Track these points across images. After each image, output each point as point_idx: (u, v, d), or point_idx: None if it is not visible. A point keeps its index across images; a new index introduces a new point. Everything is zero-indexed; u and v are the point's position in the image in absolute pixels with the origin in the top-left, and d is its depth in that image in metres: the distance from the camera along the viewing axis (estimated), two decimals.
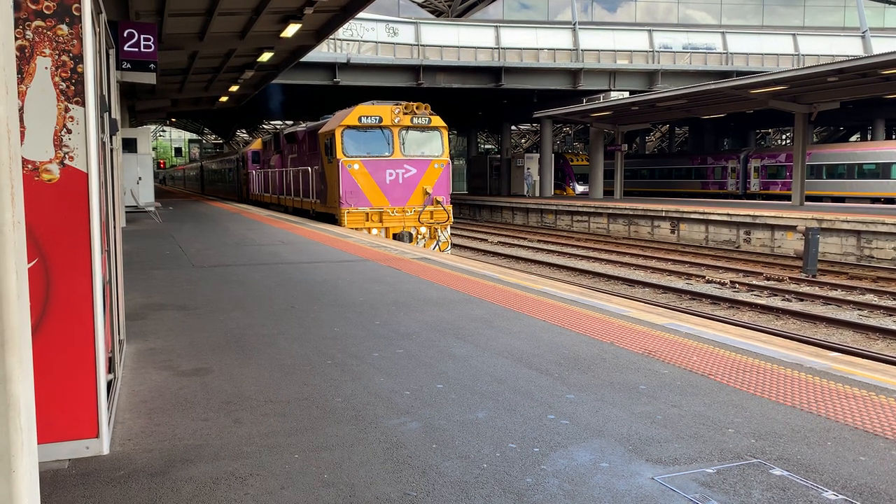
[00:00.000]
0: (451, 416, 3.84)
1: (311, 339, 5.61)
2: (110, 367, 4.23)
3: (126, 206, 19.19)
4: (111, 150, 4.58)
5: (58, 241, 3.17)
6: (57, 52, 3.13)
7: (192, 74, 22.17)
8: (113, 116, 4.80)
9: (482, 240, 27.35)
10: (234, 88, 25.94)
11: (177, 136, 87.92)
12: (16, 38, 3.11)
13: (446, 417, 3.82)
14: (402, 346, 5.37)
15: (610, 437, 3.54)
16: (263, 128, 65.52)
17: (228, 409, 3.96)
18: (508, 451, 3.37)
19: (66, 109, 3.16)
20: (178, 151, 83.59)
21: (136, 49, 11.51)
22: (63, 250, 3.18)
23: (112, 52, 4.95)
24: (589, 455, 3.32)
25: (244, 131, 71.54)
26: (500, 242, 26.31)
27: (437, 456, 3.31)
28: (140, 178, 21.91)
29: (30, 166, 3.12)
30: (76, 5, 3.13)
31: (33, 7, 3.09)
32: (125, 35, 11.44)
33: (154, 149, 72.86)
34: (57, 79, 3.14)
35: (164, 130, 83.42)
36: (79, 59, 3.15)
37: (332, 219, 18.15)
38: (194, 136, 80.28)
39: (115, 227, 4.89)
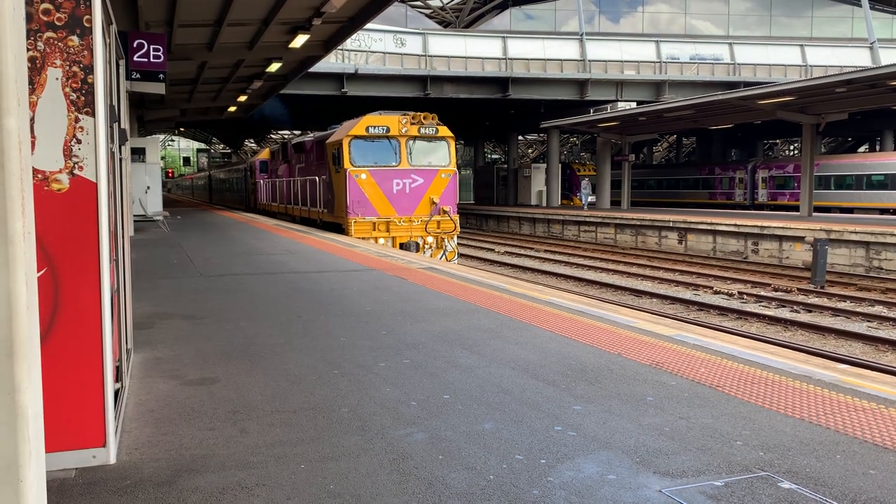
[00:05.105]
0: (457, 426, 3.83)
1: (318, 348, 5.61)
2: (118, 377, 4.24)
3: (134, 216, 19.28)
4: (120, 160, 4.61)
5: (67, 250, 3.18)
6: (68, 62, 3.15)
7: (200, 84, 22.30)
8: (122, 126, 4.83)
9: (489, 249, 27.34)
10: (242, 98, 26.08)
11: (185, 146, 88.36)
12: (27, 50, 3.14)
13: (452, 428, 3.80)
14: (409, 356, 5.37)
15: (617, 448, 3.52)
16: (271, 137, 65.81)
17: (235, 419, 3.96)
18: (515, 462, 3.36)
19: (76, 120, 3.18)
20: (187, 161, 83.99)
21: (146, 59, 11.58)
22: (72, 260, 3.19)
23: (122, 62, 4.99)
24: (596, 467, 3.30)
25: (252, 141, 71.89)
26: (507, 252, 26.30)
27: (443, 467, 3.30)
28: (148, 188, 22.02)
29: (39, 176, 3.14)
30: (87, 17, 3.16)
31: (45, 18, 3.11)
32: (135, 45, 11.52)
33: (162, 158, 73.19)
34: (67, 89, 3.16)
35: (172, 140, 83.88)
36: (89, 69, 3.18)
37: (340, 228, 18.18)
38: (203, 146, 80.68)
39: (123, 237, 4.91)
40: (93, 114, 3.20)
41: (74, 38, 3.15)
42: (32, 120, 3.12)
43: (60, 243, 3.17)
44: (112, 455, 3.32)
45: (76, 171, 3.19)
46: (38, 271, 3.19)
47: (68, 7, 3.14)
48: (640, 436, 3.69)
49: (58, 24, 3.13)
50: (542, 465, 3.32)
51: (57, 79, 3.15)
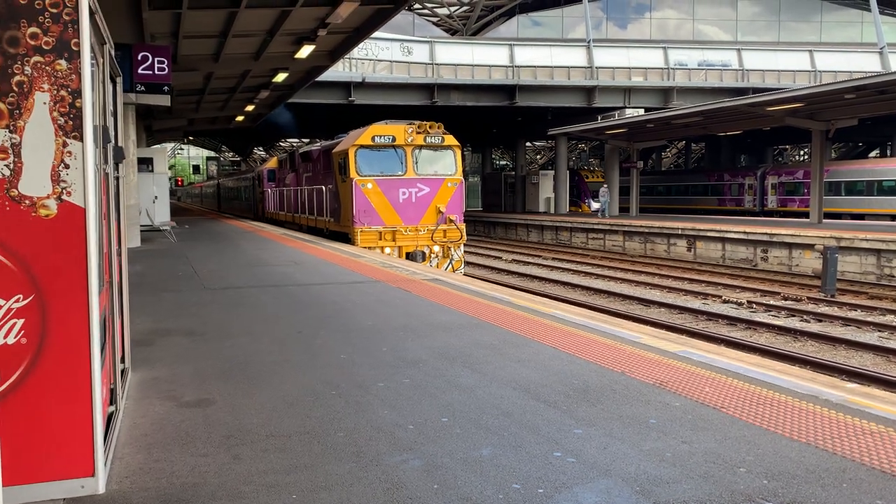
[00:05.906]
0: (454, 452, 3.75)
1: (317, 366, 5.54)
2: (112, 399, 4.19)
3: (141, 226, 19.32)
4: (115, 179, 4.57)
5: (55, 277, 3.13)
6: (55, 87, 3.11)
7: (207, 94, 22.39)
8: (119, 144, 4.79)
9: (496, 257, 27.25)
10: (249, 108, 26.16)
11: (195, 154, 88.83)
12: (14, 74, 3.10)
13: (450, 455, 3.73)
14: (409, 374, 5.29)
15: (617, 476, 3.44)
16: (280, 146, 66.04)
17: (229, 444, 3.90)
18: (512, 492, 3.28)
19: (65, 144, 3.14)
20: (196, 169, 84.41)
21: (150, 72, 11.60)
22: (60, 286, 3.15)
23: (119, 79, 4.95)
24: (595, 497, 3.22)
25: (261, 149, 72.17)
26: (515, 260, 26.19)
27: (438, 498, 3.22)
28: (156, 198, 22.10)
29: (27, 202, 3.10)
30: (75, 40, 3.12)
31: (32, 43, 3.07)
32: (139, 58, 11.55)
33: (172, 166, 73.58)
34: (55, 114, 3.12)
35: (182, 148, 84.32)
36: (77, 93, 3.13)
37: (346, 237, 18.16)
38: (212, 154, 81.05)
39: (120, 255, 4.87)
40: (81, 138, 3.15)
41: (62, 62, 3.11)
42: (19, 145, 3.08)
43: (48, 270, 3.13)
44: (101, 485, 3.26)
45: (64, 197, 3.14)
46: (26, 298, 3.15)
47: (56, 31, 3.10)
48: (642, 462, 3.61)
49: (45, 48, 3.09)
50: (539, 496, 3.23)
51: (44, 103, 3.11)
